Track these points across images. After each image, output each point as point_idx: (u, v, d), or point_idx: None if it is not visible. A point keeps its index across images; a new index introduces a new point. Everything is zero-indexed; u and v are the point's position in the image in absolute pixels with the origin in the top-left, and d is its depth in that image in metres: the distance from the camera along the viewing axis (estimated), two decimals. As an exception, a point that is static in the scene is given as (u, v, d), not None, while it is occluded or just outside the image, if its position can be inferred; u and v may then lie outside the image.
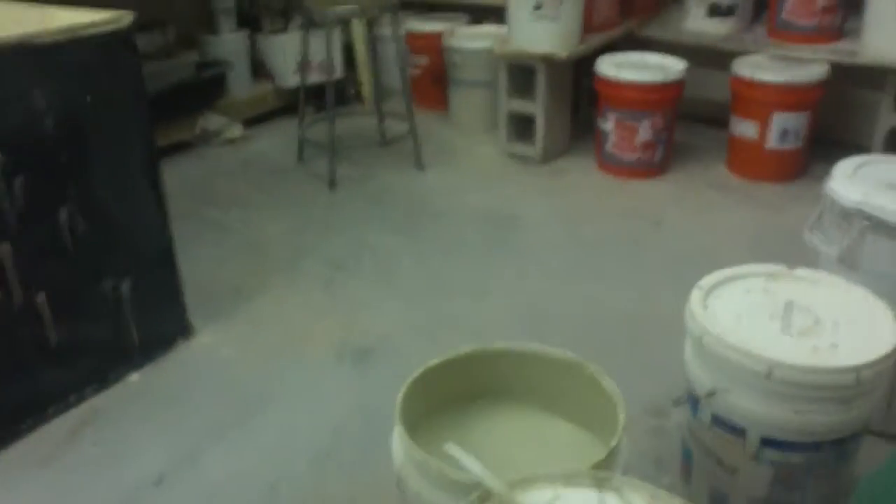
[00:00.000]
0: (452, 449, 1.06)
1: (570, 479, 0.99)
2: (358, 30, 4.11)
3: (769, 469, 1.42)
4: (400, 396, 1.26)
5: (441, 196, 3.19)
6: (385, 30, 3.80)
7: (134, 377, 2.11)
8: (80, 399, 2.01)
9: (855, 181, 1.72)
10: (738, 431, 1.42)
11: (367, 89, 4.21)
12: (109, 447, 1.87)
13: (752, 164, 3.21)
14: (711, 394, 1.42)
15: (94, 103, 1.87)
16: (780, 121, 3.06)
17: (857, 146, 3.11)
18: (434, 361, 1.35)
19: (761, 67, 3.07)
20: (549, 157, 3.48)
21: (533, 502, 0.95)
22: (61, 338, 1.93)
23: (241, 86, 3.98)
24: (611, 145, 3.28)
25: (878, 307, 1.47)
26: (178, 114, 3.59)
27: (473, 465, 1.01)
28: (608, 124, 3.26)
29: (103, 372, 2.06)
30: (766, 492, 1.45)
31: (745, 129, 3.16)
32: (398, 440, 1.23)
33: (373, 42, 3.75)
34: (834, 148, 3.17)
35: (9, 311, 1.81)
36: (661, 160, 3.29)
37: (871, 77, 3.13)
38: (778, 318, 1.45)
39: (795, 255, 1.73)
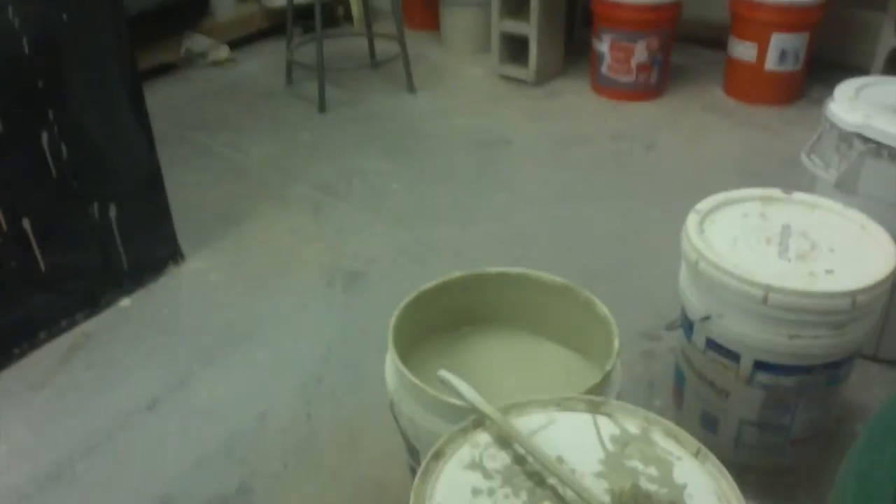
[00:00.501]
0: (445, 375, 1.05)
1: (563, 403, 0.98)
2: (346, -54, 3.98)
3: (761, 392, 1.43)
4: (392, 321, 1.24)
5: (432, 119, 3.14)
6: (374, -54, 3.69)
7: (124, 302, 2.10)
8: (71, 324, 2.00)
9: (856, 104, 1.68)
10: (732, 355, 1.42)
11: (356, 9, 4.10)
12: (101, 372, 1.87)
13: (750, 86, 3.15)
14: (706, 318, 1.42)
15: (72, 24, 1.80)
16: (779, 42, 2.99)
17: (856, 68, 3.06)
18: (427, 286, 1.33)
19: (761, -14, 2.99)
20: (542, 79, 3.41)
21: (527, 427, 0.94)
22: (49, 264, 1.91)
23: (225, 6, 3.87)
24: (606, 67, 3.22)
25: (875, 232, 1.45)
26: (160, 35, 3.50)
27: (467, 391, 1.00)
28: (603, 45, 3.19)
29: (94, 297, 2.04)
30: (757, 415, 1.47)
31: (743, 50, 3.09)
32: (391, 365, 1.22)
33: (361, -41, 3.64)
34: (833, 70, 3.12)
35: (-5, 238, 1.79)
36: (656, 82, 3.23)
37: (872, -4, 3.06)
38: (774, 242, 1.44)
39: (792, 178, 1.71)
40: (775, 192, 1.58)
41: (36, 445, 1.67)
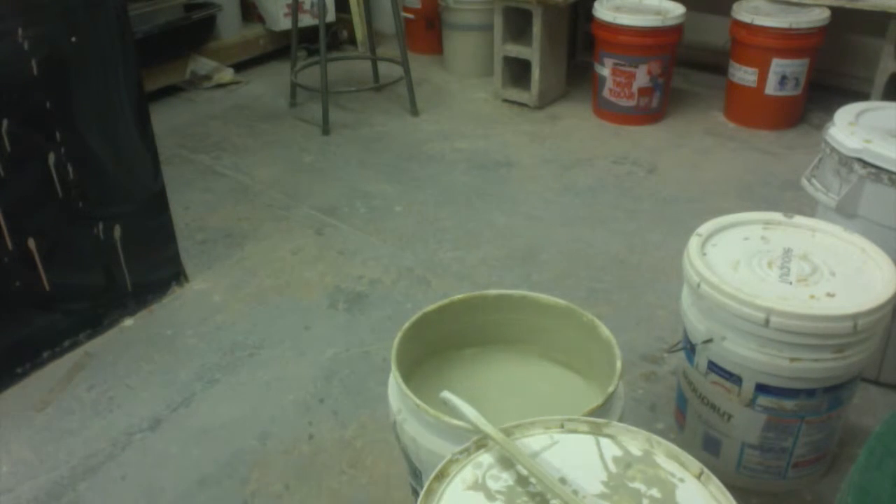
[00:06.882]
0: (448, 396, 1.05)
1: (566, 424, 0.99)
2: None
3: (763, 415, 1.43)
4: (396, 342, 1.25)
5: (435, 141, 3.16)
6: (378, -29, 3.72)
7: (128, 322, 2.10)
8: (75, 344, 2.00)
9: (856, 129, 1.70)
10: (734, 378, 1.42)
11: (360, 32, 4.13)
12: (103, 392, 1.87)
13: (751, 110, 3.18)
14: (708, 341, 1.42)
15: (79, 45, 1.82)
16: (779, 67, 3.02)
17: (856, 93, 3.10)
18: (429, 307, 1.34)
19: (761, 12, 3.02)
20: (544, 102, 3.44)
21: (529, 448, 0.95)
22: (54, 283, 1.92)
23: (231, 28, 3.91)
24: (607, 91, 3.24)
25: (876, 255, 1.46)
26: (166, 57, 3.53)
27: (469, 412, 1.00)
28: (605, 70, 3.22)
29: (97, 317, 2.05)
30: (759, 437, 1.47)
31: (743, 75, 3.12)
32: (394, 386, 1.23)
33: (365, -16, 3.67)
34: (833, 95, 3.15)
35: (0, 258, 1.79)
36: (658, 106, 3.25)
37: (871, 22, 3.08)
38: (776, 265, 1.45)
39: (793, 202, 1.73)
40: (776, 215, 1.59)
41: (38, 465, 1.67)
